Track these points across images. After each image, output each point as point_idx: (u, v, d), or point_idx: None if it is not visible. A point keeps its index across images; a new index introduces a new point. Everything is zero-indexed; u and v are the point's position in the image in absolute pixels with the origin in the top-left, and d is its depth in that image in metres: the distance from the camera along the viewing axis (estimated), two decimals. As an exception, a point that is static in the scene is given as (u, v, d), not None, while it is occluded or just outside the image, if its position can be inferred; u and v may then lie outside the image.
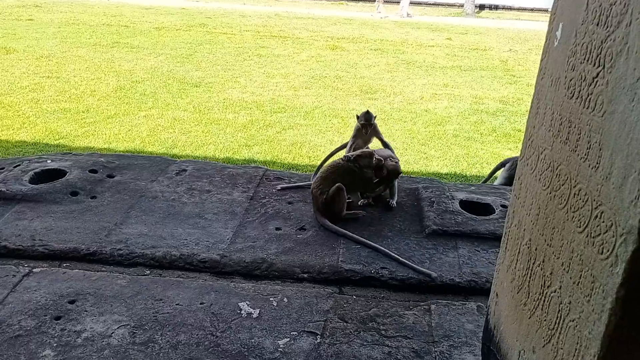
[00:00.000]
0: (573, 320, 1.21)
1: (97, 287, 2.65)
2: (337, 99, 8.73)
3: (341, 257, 2.99)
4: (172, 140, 6.62)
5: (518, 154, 1.78)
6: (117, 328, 2.39)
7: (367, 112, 3.84)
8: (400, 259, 2.96)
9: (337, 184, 3.28)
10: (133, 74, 9.56)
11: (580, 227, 1.22)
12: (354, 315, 2.59)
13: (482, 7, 25.94)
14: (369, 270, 2.89)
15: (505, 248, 1.71)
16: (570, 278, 1.24)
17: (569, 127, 1.32)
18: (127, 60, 10.62)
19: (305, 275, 2.88)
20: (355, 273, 2.89)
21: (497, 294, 1.76)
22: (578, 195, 1.24)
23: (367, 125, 3.82)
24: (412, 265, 2.93)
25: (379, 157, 3.37)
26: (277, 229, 3.24)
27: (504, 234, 1.75)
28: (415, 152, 6.65)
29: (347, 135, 7.18)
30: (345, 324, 2.53)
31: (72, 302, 2.54)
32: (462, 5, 24.45)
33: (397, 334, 2.48)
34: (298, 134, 7.06)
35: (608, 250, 1.09)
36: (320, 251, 3.03)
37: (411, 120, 7.83)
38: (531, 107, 1.61)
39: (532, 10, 24.71)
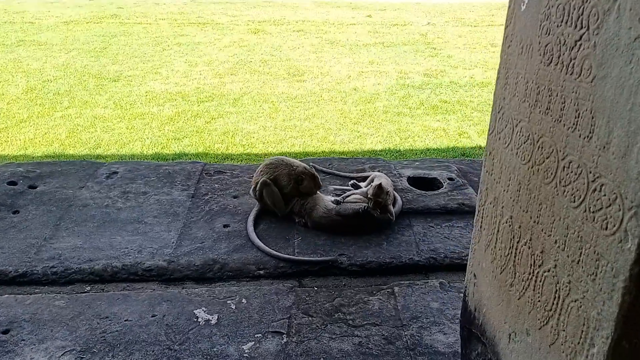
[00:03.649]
0: (575, 301, 1.14)
1: (32, 312, 2.38)
2: (265, 84, 8.50)
3: (297, 249, 2.86)
4: (95, 140, 6.20)
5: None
6: (62, 355, 2.15)
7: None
8: (282, 255, 2.79)
9: (262, 179, 3.09)
10: (44, 73, 8.88)
11: (574, 202, 1.14)
12: (318, 308, 2.47)
13: (396, -18, 26.22)
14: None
15: (481, 227, 1.63)
16: (568, 256, 1.17)
17: (549, 95, 1.24)
18: (35, 58, 9.85)
19: (262, 272, 2.73)
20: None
21: (474, 275, 1.69)
22: (569, 167, 1.17)
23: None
24: (296, 258, 2.78)
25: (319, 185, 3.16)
26: (225, 225, 3.06)
27: (476, 213, 1.67)
28: (349, 131, 6.58)
29: (280, 120, 7.08)
30: (310, 318, 2.41)
31: (5, 332, 2.27)
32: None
33: (365, 322, 2.39)
34: (229, 122, 6.80)
35: (614, 226, 1.01)
36: (274, 244, 2.88)
37: (341, 100, 7.75)
38: (498, 78, 1.52)
39: (444, -17, 25.27)
